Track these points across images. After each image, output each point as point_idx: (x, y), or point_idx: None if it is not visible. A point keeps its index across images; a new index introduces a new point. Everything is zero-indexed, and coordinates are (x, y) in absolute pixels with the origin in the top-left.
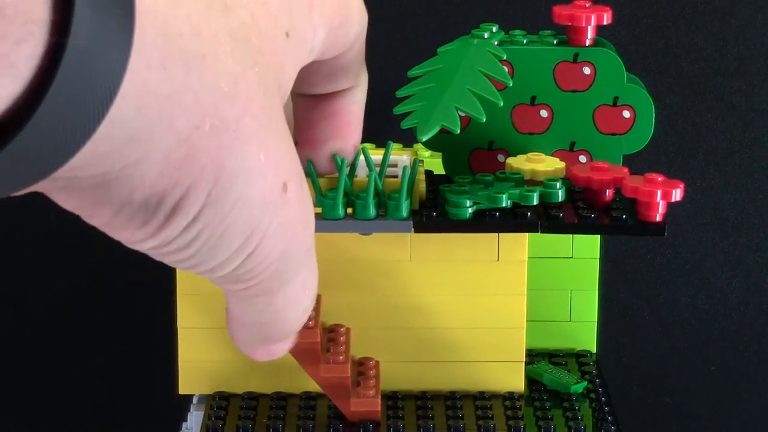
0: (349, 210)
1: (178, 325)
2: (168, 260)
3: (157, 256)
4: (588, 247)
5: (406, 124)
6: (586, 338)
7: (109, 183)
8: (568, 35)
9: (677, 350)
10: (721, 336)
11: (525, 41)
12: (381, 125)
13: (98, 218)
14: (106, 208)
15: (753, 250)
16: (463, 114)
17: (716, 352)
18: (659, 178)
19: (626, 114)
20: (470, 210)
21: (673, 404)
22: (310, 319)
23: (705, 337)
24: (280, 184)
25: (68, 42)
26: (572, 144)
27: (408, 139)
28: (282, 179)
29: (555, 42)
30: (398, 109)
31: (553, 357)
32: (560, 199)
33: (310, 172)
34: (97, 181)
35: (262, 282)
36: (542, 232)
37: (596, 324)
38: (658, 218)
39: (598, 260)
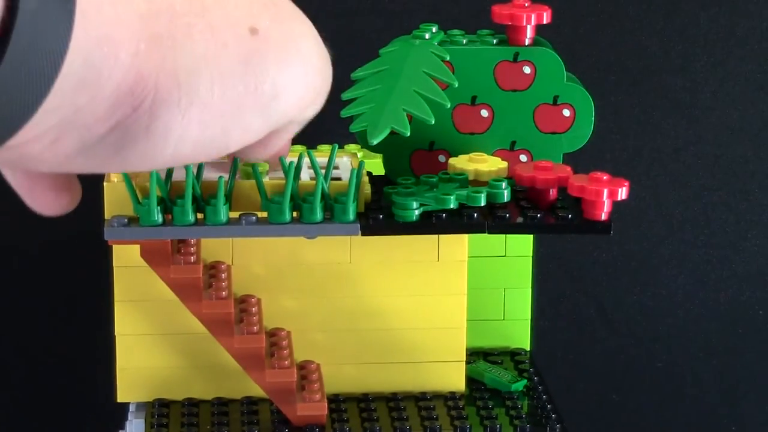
0: (295, 214)
1: (115, 332)
2: (207, 156)
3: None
4: (521, 245)
5: (355, 128)
6: (520, 336)
7: (63, 132)
8: (508, 34)
9: (623, 347)
10: (667, 332)
11: (465, 41)
12: (316, 125)
13: (71, 168)
14: (77, 158)
15: (698, 246)
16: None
17: (662, 348)
18: (604, 177)
19: (566, 112)
20: (417, 212)
21: (619, 401)
22: (254, 324)
23: (651, 334)
24: (246, 32)
25: (19, 5)
26: (513, 143)
27: (340, 138)
28: (244, 29)
29: (495, 41)
30: (346, 112)
31: (488, 356)
32: (506, 200)
33: (256, 175)
34: (51, 136)
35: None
36: (489, 232)
37: (530, 322)
38: (604, 217)
39: (531, 258)
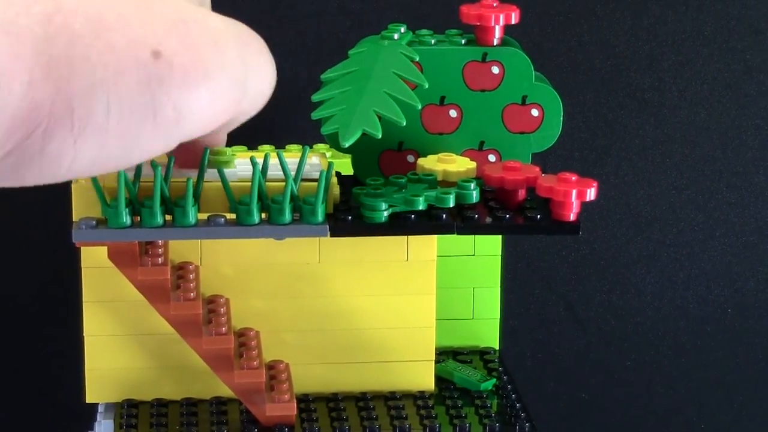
0: (263, 215)
1: (84, 333)
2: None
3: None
4: (490, 244)
5: (326, 130)
6: (489, 335)
7: None
8: (476, 35)
9: (592, 346)
10: (635, 331)
11: (433, 41)
12: (285, 125)
13: None
14: None
15: (666, 245)
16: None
17: (631, 347)
18: (573, 178)
19: (535, 112)
20: (385, 213)
21: (588, 400)
22: (222, 325)
23: (620, 333)
24: (148, 56)
25: None
26: (481, 143)
27: (308, 137)
28: (147, 52)
29: (463, 42)
30: (316, 114)
31: (457, 355)
32: (475, 200)
33: (222, 178)
34: None
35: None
36: (458, 233)
37: (499, 321)
38: (572, 217)
39: (500, 257)
